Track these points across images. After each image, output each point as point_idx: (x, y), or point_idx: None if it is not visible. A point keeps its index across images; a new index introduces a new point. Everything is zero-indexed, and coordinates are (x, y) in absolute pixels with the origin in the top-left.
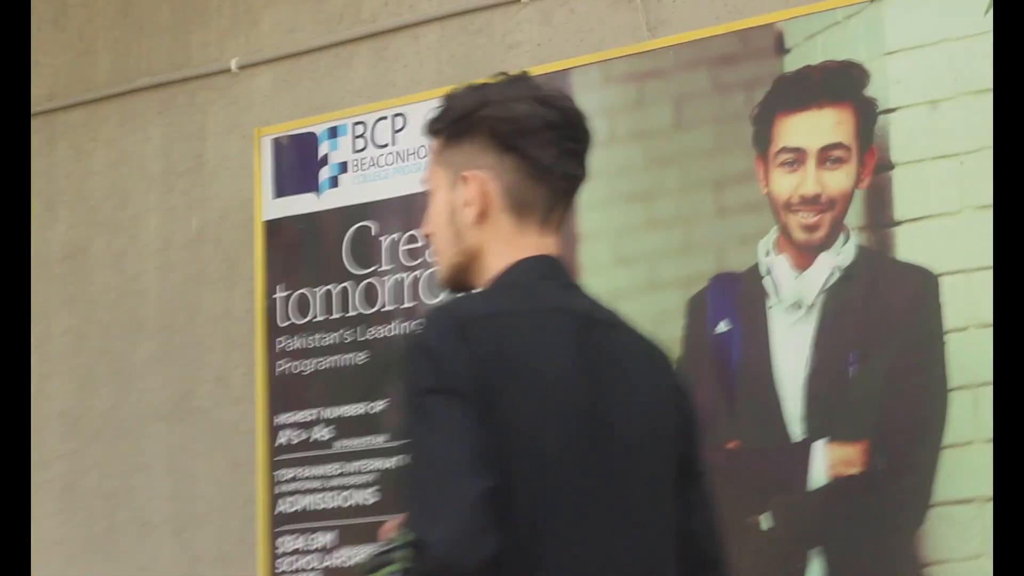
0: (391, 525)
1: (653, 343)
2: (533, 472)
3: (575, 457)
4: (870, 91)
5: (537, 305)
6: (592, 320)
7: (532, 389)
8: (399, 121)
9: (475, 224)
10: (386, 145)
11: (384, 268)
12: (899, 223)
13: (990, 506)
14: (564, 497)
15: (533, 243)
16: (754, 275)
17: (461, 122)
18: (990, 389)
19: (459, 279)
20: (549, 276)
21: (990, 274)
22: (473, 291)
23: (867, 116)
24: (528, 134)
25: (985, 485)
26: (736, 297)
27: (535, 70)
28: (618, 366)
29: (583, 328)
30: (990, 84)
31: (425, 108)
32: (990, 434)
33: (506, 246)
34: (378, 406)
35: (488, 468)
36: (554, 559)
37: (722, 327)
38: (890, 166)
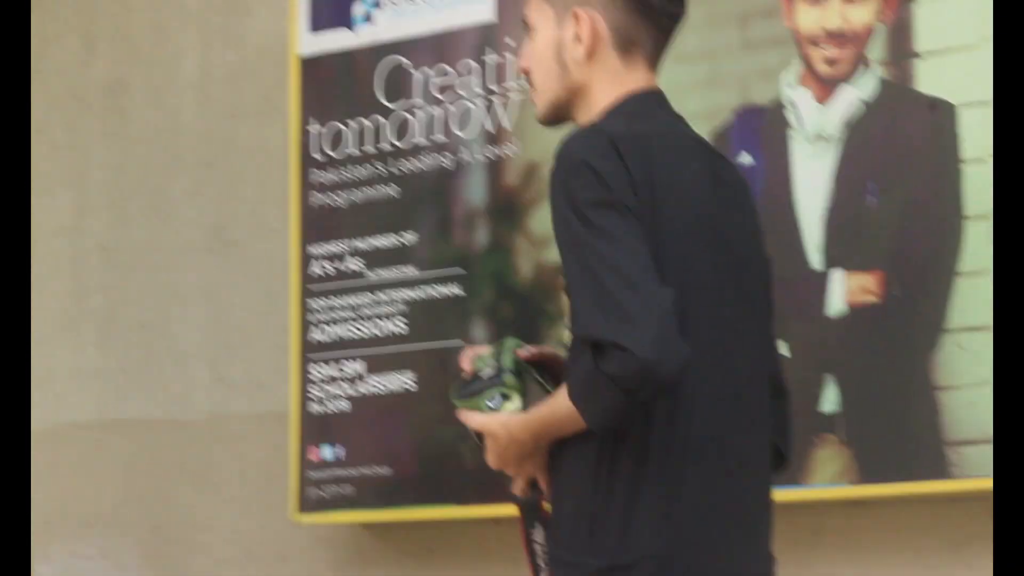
0: (472, 352)
1: (741, 173)
2: (683, 291)
3: (716, 280)
4: None
5: (669, 130)
6: (710, 150)
7: (682, 212)
8: None
9: (583, 60)
10: None
11: (416, 102)
12: (919, 56)
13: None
14: (709, 317)
15: (641, 77)
16: (777, 108)
17: None
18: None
19: (559, 113)
20: (662, 106)
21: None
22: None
23: None
24: None
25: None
26: (759, 129)
27: None
28: (735, 197)
29: (714, 158)
30: None
31: None
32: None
33: (614, 82)
34: (408, 238)
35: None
36: (701, 371)
37: (745, 159)
38: None
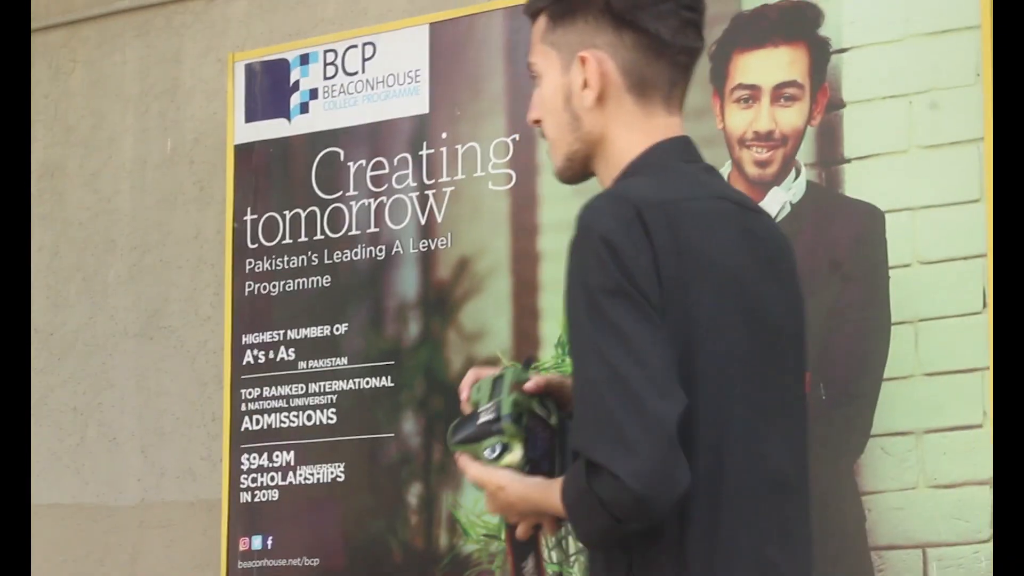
0: (473, 377)
1: (779, 228)
2: (715, 373)
3: (752, 353)
4: (824, 31)
5: (699, 192)
6: (746, 207)
7: (711, 283)
8: (369, 50)
9: (595, 107)
10: (356, 73)
11: (351, 193)
12: (848, 160)
13: (926, 438)
14: (743, 399)
15: (662, 124)
16: None
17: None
18: (929, 324)
19: (578, 168)
20: (692, 159)
21: (933, 212)
22: (622, 179)
23: (820, 55)
24: (645, 7)
25: (922, 419)
26: None
27: (505, 1)
28: (771, 255)
29: (744, 217)
30: (940, 26)
31: (395, 37)
32: (929, 368)
33: (632, 129)
34: (341, 329)
35: (675, 383)
36: (738, 462)
37: None
38: (841, 104)
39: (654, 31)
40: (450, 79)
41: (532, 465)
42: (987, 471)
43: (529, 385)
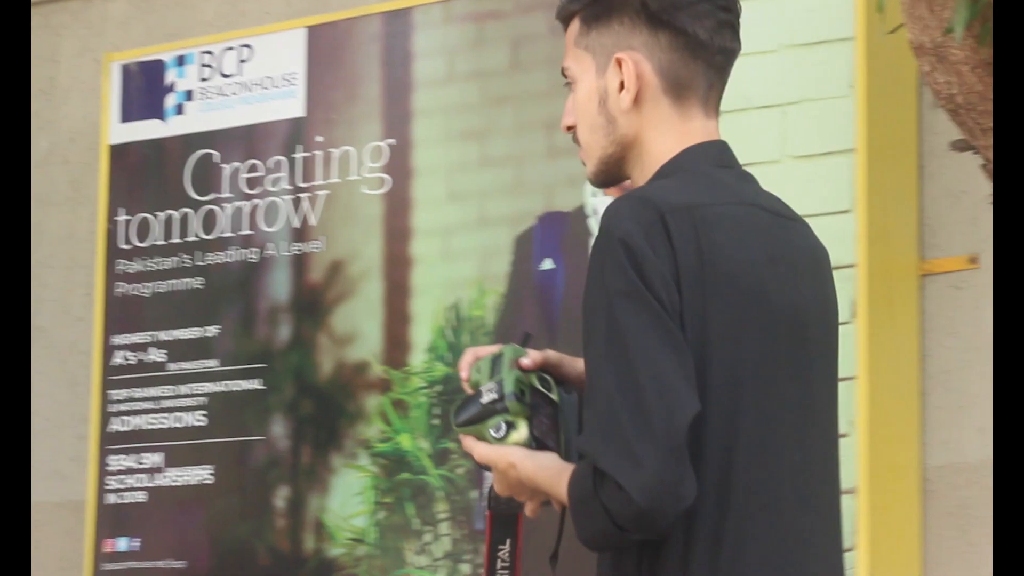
0: (472, 356)
1: (816, 237)
2: (727, 382)
3: (769, 363)
4: None
5: (728, 198)
6: (779, 215)
7: (732, 292)
8: (246, 52)
9: (631, 110)
10: (232, 75)
11: (224, 195)
12: None
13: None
14: (756, 409)
15: (699, 127)
16: (580, 215)
17: (606, 1)
18: None
19: (612, 171)
20: (725, 164)
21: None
22: (648, 181)
23: None
24: (682, 7)
25: None
26: (562, 236)
27: (382, 6)
28: (804, 264)
29: (775, 224)
30: (813, 38)
31: (272, 40)
32: None
33: (669, 132)
34: (212, 331)
35: (688, 390)
36: (742, 482)
37: (547, 264)
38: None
39: (691, 32)
40: (327, 83)
41: (538, 443)
42: (852, 480)
43: (526, 362)
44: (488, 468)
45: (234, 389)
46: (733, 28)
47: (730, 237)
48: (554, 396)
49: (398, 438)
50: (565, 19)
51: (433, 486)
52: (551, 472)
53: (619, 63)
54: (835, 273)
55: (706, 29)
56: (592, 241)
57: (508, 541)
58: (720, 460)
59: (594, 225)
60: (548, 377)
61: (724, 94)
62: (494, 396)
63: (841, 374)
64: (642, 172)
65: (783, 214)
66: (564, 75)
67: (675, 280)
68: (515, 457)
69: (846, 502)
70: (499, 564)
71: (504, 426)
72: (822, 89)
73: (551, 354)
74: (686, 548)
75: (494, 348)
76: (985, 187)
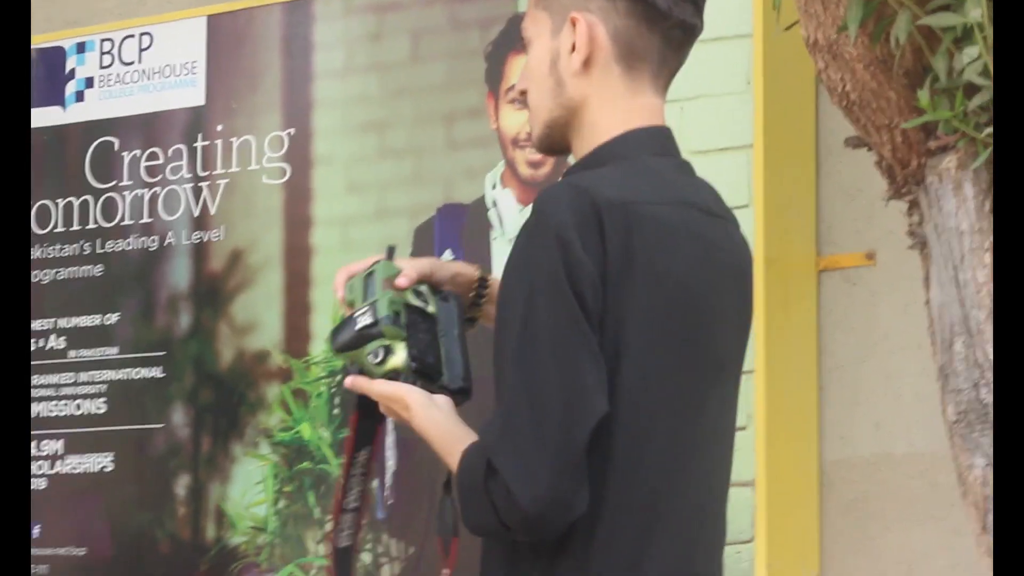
0: (345, 274)
1: (743, 237)
2: (644, 386)
3: (685, 373)
4: None
5: (664, 195)
6: (711, 214)
7: (658, 296)
8: (146, 40)
9: (580, 73)
10: (132, 63)
11: (124, 183)
12: None
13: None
14: (666, 420)
15: (646, 105)
16: (480, 207)
17: None
18: None
19: (556, 138)
20: (665, 152)
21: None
22: (588, 163)
23: None
24: None
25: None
26: (462, 228)
27: None
28: (727, 268)
29: (707, 225)
30: (711, 34)
31: (173, 28)
32: None
33: (615, 105)
34: (112, 319)
35: (597, 393)
36: (650, 485)
37: (447, 256)
38: None
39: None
40: (227, 72)
41: (417, 362)
42: (750, 472)
43: (401, 280)
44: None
45: (134, 377)
46: (695, 3)
47: (661, 240)
48: (431, 309)
49: (299, 427)
50: None
51: (334, 475)
52: (444, 434)
53: (573, 23)
54: None
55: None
56: (492, 233)
57: (365, 450)
58: (628, 463)
59: (493, 217)
60: (423, 289)
61: None
62: (368, 321)
63: None
64: (581, 142)
65: (715, 213)
66: (521, 36)
67: (601, 278)
68: (412, 400)
69: (744, 495)
70: (358, 469)
71: (381, 352)
72: (720, 85)
73: (422, 265)
74: (585, 548)
75: (366, 263)
76: (881, 184)
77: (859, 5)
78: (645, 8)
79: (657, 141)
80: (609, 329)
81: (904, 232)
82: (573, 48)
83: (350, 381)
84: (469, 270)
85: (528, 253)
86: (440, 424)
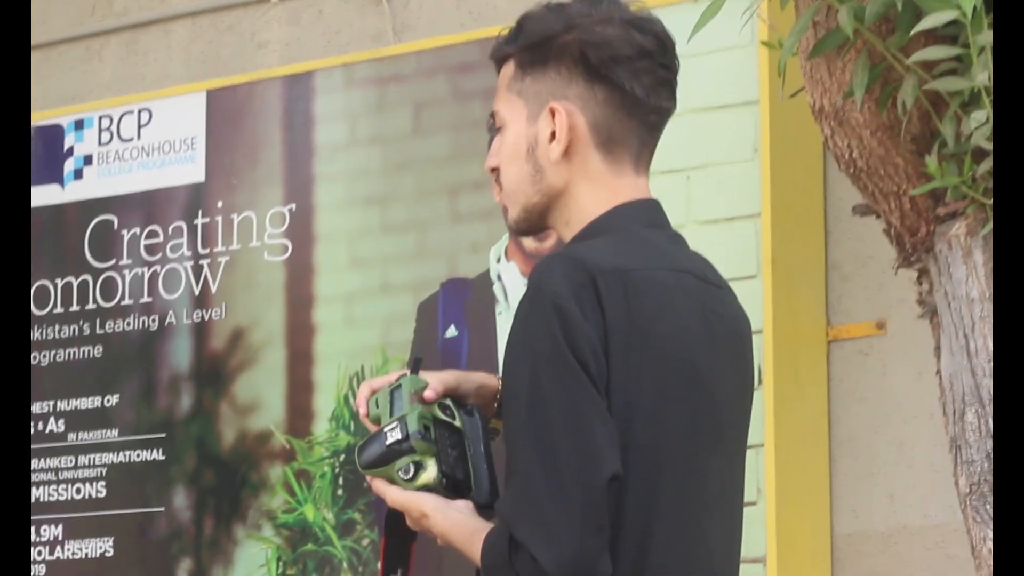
0: (367, 390)
1: (740, 305)
2: (653, 451)
3: (692, 438)
4: None
5: (660, 263)
6: (707, 281)
7: (660, 361)
8: (145, 116)
9: (560, 161)
10: (131, 139)
11: (124, 262)
12: None
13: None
14: (676, 484)
15: (629, 184)
16: (484, 281)
17: (544, 46)
18: None
19: (534, 221)
20: (657, 224)
21: None
22: (581, 238)
23: None
24: (621, 62)
25: None
26: (466, 302)
27: (282, 70)
28: (728, 336)
29: (703, 292)
30: (717, 102)
31: (172, 104)
32: None
33: (599, 187)
34: (112, 400)
35: (608, 456)
36: (660, 552)
37: (451, 331)
38: None
39: (629, 88)
40: (227, 147)
41: (448, 478)
42: (761, 548)
43: (429, 394)
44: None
45: (134, 460)
46: (671, 87)
47: (660, 304)
48: (458, 423)
49: (302, 509)
50: (499, 60)
51: (338, 557)
52: (464, 530)
53: (552, 113)
54: None
55: (644, 87)
56: (497, 308)
57: (399, 571)
58: (639, 528)
59: (498, 291)
60: (449, 403)
61: None
62: (398, 436)
63: (749, 441)
64: (568, 226)
65: (711, 281)
66: (492, 118)
67: (603, 345)
68: (428, 507)
69: (755, 572)
70: None
71: (412, 467)
72: (727, 153)
73: (448, 378)
74: None
75: (390, 378)
76: (890, 252)
77: (865, 70)
78: (623, 96)
79: (647, 214)
80: (618, 394)
81: (914, 300)
82: (552, 136)
83: (376, 487)
84: (492, 381)
85: (528, 325)
86: (460, 523)
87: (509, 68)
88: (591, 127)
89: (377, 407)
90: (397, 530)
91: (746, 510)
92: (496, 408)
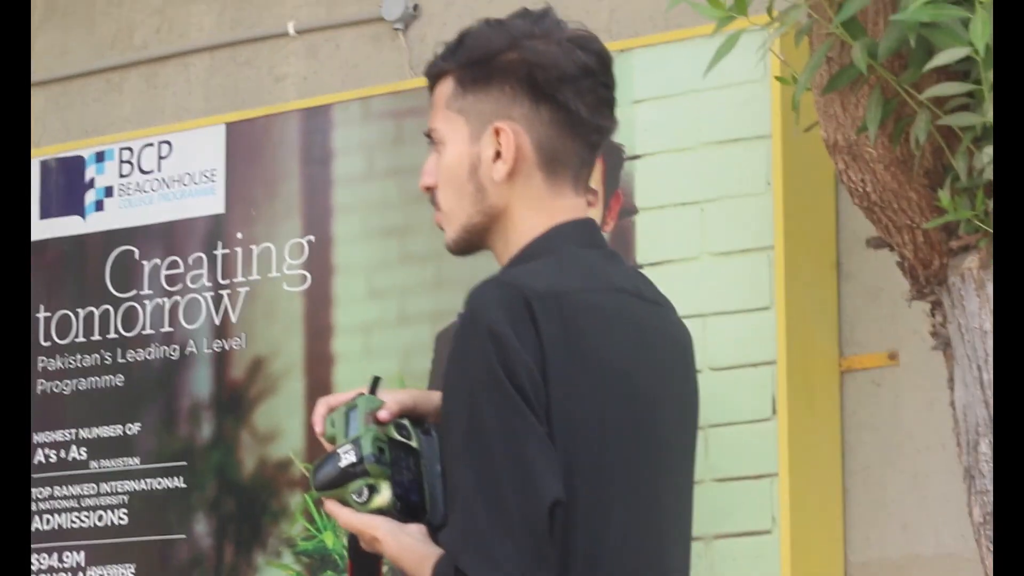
0: (324, 408)
1: (680, 320)
2: (594, 471)
3: (636, 459)
4: (618, 137)
5: (596, 283)
6: (644, 299)
7: (600, 383)
8: (165, 148)
9: (504, 181)
10: (151, 171)
11: (145, 292)
12: (641, 267)
13: (715, 543)
14: (623, 505)
15: (568, 204)
16: None
17: (487, 64)
18: (719, 430)
19: (474, 240)
20: (592, 244)
21: (723, 319)
22: (517, 262)
23: (614, 161)
24: (566, 81)
25: (712, 524)
26: None
27: (300, 103)
28: (666, 351)
29: (642, 310)
30: (730, 135)
31: (191, 136)
32: (719, 474)
33: (538, 208)
34: (134, 428)
35: (548, 483)
36: (611, 566)
37: None
38: (634, 211)
39: (573, 108)
40: (246, 179)
41: (402, 501)
42: None
43: (383, 414)
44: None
45: (156, 487)
46: (611, 106)
47: (597, 325)
48: (414, 444)
49: (322, 536)
50: (435, 76)
51: None
52: (415, 556)
53: (497, 132)
54: (755, 370)
55: (587, 106)
56: None
57: None
58: (588, 551)
59: None
60: (405, 423)
61: (643, 191)
62: (353, 459)
63: (762, 471)
64: (505, 246)
65: (650, 298)
66: (430, 136)
67: (541, 370)
68: (379, 532)
69: None
70: None
71: (366, 490)
72: (739, 186)
73: (404, 398)
74: None
75: (347, 396)
76: (903, 284)
77: (878, 106)
78: (568, 116)
79: (583, 233)
80: (559, 417)
81: (927, 331)
82: (497, 156)
83: (329, 507)
84: None
85: (464, 352)
86: (411, 548)
87: (447, 85)
88: (536, 147)
89: (333, 427)
90: (361, 551)
91: (761, 539)
92: None
